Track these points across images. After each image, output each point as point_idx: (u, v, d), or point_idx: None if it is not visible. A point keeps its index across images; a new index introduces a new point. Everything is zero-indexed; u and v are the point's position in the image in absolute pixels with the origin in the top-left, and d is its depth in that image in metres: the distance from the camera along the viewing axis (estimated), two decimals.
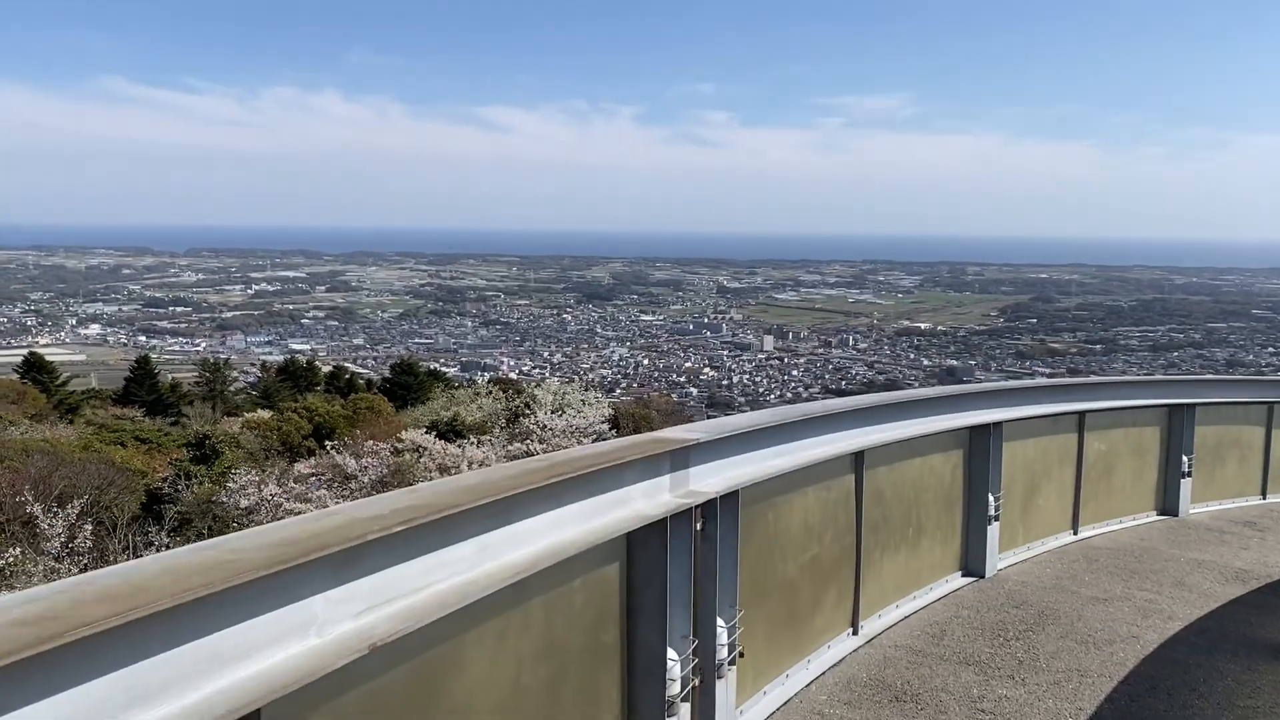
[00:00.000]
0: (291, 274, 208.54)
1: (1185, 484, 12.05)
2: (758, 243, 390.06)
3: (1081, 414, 10.61)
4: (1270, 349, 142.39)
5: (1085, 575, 9.36)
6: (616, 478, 4.62)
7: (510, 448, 30.96)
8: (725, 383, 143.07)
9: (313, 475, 26.90)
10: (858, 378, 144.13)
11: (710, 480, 5.40)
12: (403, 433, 29.85)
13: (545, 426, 32.57)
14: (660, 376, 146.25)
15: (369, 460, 26.91)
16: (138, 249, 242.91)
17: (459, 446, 29.54)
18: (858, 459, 7.34)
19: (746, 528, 5.79)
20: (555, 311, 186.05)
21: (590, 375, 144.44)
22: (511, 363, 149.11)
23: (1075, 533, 10.84)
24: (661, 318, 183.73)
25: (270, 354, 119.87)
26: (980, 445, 9.00)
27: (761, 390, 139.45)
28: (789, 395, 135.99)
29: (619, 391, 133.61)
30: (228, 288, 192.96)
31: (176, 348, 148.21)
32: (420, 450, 28.41)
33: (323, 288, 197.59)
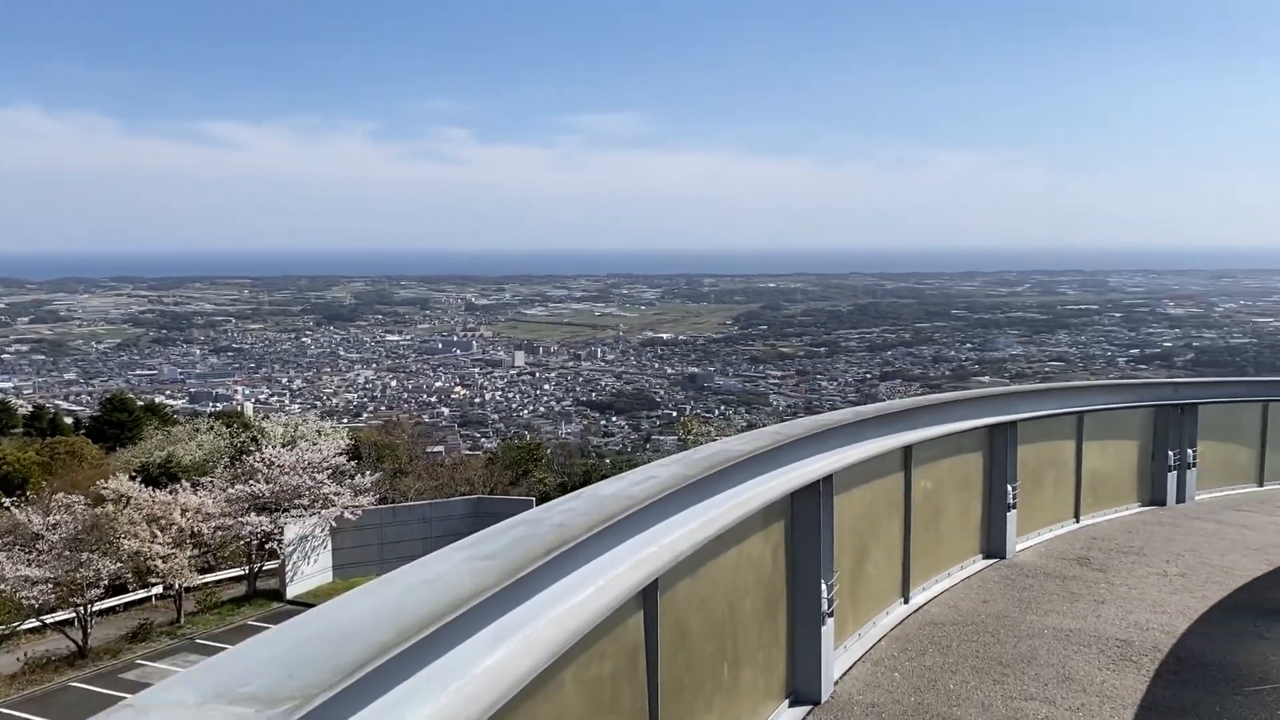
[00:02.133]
0: None
1: (1011, 518, 10.40)
2: (505, 259, 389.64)
3: (908, 448, 8.53)
4: (968, 345, 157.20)
5: (947, 680, 7.09)
6: None
7: (231, 490, 28.89)
8: (478, 401, 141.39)
9: None
10: (607, 388, 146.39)
11: None
12: (106, 480, 27.09)
13: (273, 463, 30.63)
14: (410, 398, 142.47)
15: (60, 516, 24.19)
16: None
17: (171, 492, 27.22)
18: (649, 592, 4.50)
19: None
20: (294, 335, 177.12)
21: (334, 400, 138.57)
22: (247, 391, 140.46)
23: (906, 600, 8.73)
24: (409, 337, 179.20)
25: None
26: (806, 512, 6.55)
27: (515, 406, 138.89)
28: (541, 409, 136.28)
29: (366, 415, 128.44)
30: None
31: None
32: (125, 499, 25.93)
33: (25, 319, 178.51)
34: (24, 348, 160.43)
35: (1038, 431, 11.16)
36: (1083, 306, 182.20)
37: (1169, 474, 13.43)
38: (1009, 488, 10.31)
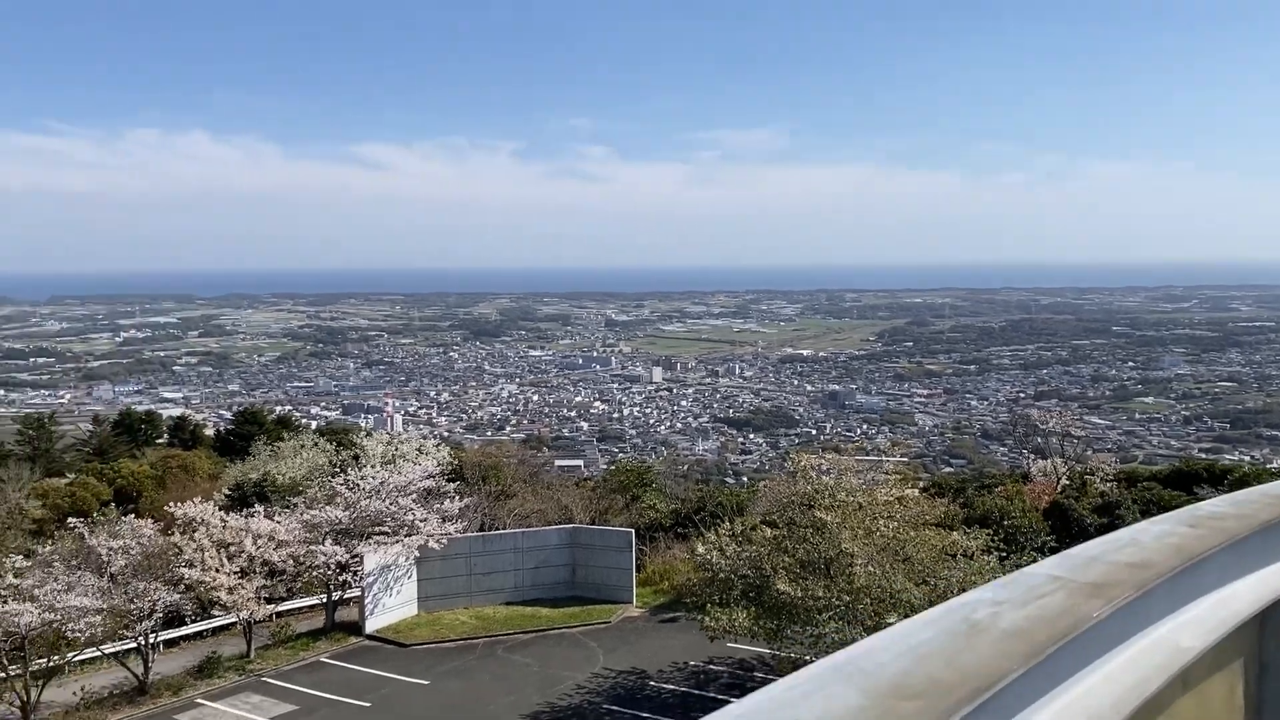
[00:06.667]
0: (162, 319, 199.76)
1: None
2: (644, 275, 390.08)
3: None
4: (1130, 363, 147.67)
5: None
6: None
7: (307, 515, 27.62)
8: (615, 416, 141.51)
9: (57, 560, 23.23)
10: (745, 405, 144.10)
11: None
12: (176, 505, 26.25)
13: (355, 485, 29.26)
14: (551, 412, 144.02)
15: (125, 541, 23.31)
16: None
17: (246, 517, 26.15)
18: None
19: None
20: (441, 350, 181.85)
21: (479, 413, 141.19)
22: (397, 403, 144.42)
23: None
24: (550, 352, 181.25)
25: (140, 404, 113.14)
26: None
27: (652, 422, 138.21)
28: (679, 426, 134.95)
29: (509, 429, 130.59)
30: (94, 336, 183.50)
31: (39, 400, 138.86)
32: (195, 525, 24.96)
33: (195, 333, 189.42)
34: (193, 360, 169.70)
35: None
36: (1257, 324, 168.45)
37: None
38: None
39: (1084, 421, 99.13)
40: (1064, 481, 39.42)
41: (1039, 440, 48.62)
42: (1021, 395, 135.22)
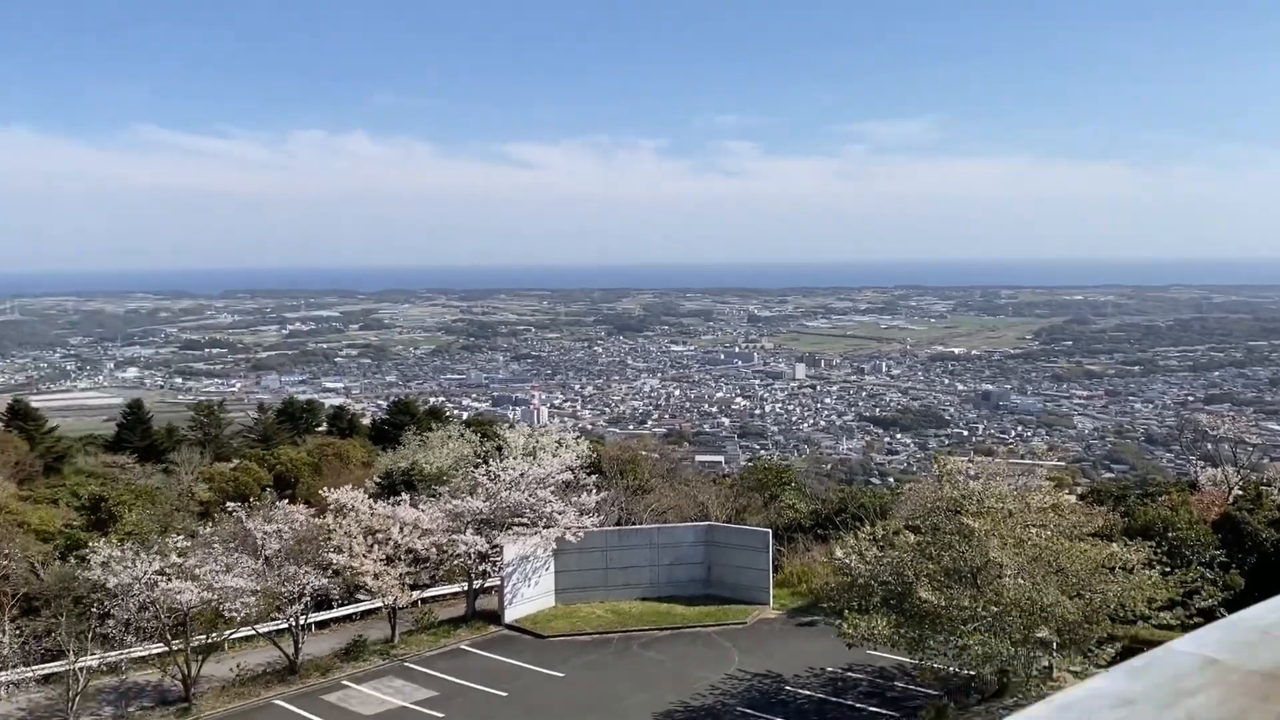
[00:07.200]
0: (325, 313, 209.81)
1: None
2: (787, 271, 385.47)
3: None
4: None
5: None
6: None
7: (451, 504, 28.33)
8: (757, 412, 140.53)
9: (217, 542, 24.48)
10: (892, 404, 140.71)
11: None
12: (329, 491, 27.31)
13: (496, 477, 29.84)
14: (692, 407, 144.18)
15: (279, 526, 24.36)
16: (175, 292, 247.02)
17: (393, 505, 27.00)
18: None
19: None
20: (586, 344, 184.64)
21: (621, 407, 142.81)
22: (543, 396, 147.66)
23: None
24: (692, 348, 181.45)
25: (304, 393, 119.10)
26: None
27: (794, 419, 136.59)
28: (822, 423, 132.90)
29: (650, 423, 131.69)
30: (262, 328, 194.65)
31: (212, 388, 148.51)
32: (344, 511, 25.90)
33: (356, 326, 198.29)
34: (353, 352, 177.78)
35: None
36: None
37: None
38: None
39: (1260, 428, 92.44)
40: (1236, 492, 36.67)
41: (1209, 446, 45.75)
42: (1190, 398, 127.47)
